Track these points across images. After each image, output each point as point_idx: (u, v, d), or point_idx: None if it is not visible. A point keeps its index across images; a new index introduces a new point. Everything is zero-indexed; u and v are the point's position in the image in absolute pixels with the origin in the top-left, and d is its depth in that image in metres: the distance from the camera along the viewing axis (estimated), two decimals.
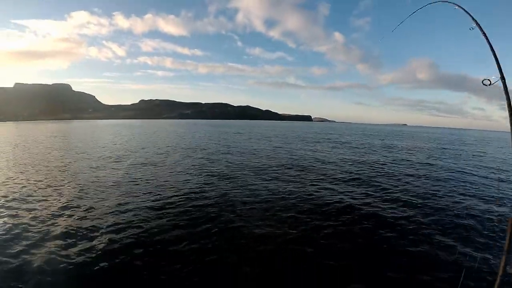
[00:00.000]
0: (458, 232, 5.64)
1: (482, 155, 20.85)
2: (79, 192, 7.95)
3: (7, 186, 8.51)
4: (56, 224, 5.59)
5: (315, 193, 8.22)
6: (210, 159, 14.54)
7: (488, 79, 2.13)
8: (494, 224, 6.11)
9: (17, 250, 4.54)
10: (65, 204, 6.80)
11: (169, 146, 20.93)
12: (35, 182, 8.98)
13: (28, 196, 7.49)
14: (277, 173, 11.16)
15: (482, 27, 2.45)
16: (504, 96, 2.02)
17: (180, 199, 7.35)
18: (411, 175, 11.42)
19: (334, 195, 8.15)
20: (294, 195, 7.95)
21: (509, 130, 1.89)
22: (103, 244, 4.80)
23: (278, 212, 6.56)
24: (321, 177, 10.54)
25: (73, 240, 4.95)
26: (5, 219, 5.81)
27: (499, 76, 2.11)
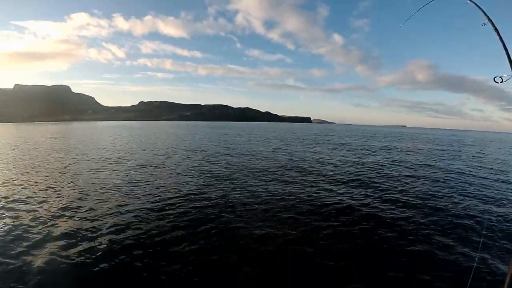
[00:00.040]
0: (457, 233, 5.66)
1: (481, 156, 20.89)
2: (79, 193, 7.95)
3: (8, 187, 8.51)
4: (56, 225, 5.60)
5: (314, 194, 8.24)
6: (210, 160, 14.56)
7: (500, 77, 2.08)
8: (493, 224, 6.13)
9: (17, 251, 4.55)
10: (65, 206, 6.81)
11: (169, 147, 20.95)
12: (35, 184, 8.98)
13: (28, 197, 7.49)
14: (277, 174, 11.18)
15: (494, 22, 2.38)
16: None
17: (180, 201, 7.36)
18: (411, 176, 11.44)
19: (334, 196, 8.17)
20: (294, 196, 7.97)
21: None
22: (103, 245, 4.81)
23: (278, 213, 6.58)
24: (321, 178, 10.56)
25: (74, 241, 4.95)
26: (6, 220, 5.82)
27: None
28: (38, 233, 5.23)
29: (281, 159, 15.73)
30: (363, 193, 8.60)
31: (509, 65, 2.07)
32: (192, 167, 12.48)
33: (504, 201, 8.12)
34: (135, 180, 9.63)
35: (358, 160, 16.13)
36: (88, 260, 4.34)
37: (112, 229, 5.47)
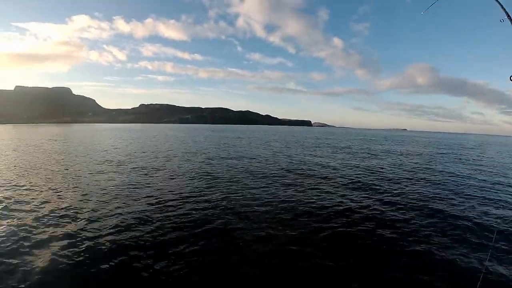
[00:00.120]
0: (456, 234, 5.69)
1: (481, 159, 20.92)
2: (80, 195, 7.98)
3: (8, 188, 8.54)
4: (57, 226, 5.63)
5: (314, 197, 8.26)
6: (210, 163, 14.60)
7: None
8: (492, 225, 6.16)
9: (19, 251, 4.58)
10: (66, 207, 6.83)
11: (170, 150, 21.00)
12: (36, 185, 9.01)
13: (30, 198, 7.52)
14: (277, 177, 11.21)
15: None
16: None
17: (181, 202, 7.39)
18: (411, 179, 11.48)
19: (334, 198, 8.19)
20: (294, 198, 7.99)
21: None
22: (104, 246, 4.83)
23: (278, 215, 6.60)
24: (321, 181, 10.60)
25: (75, 242, 4.97)
26: (8, 221, 5.84)
27: None
28: (39, 234, 5.25)
29: (281, 162, 15.76)
30: (363, 195, 8.63)
31: None
32: (193, 169, 12.51)
33: (503, 203, 8.15)
34: (136, 182, 9.66)
35: (358, 163, 16.16)
36: (89, 261, 4.37)
37: (113, 230, 5.49)
